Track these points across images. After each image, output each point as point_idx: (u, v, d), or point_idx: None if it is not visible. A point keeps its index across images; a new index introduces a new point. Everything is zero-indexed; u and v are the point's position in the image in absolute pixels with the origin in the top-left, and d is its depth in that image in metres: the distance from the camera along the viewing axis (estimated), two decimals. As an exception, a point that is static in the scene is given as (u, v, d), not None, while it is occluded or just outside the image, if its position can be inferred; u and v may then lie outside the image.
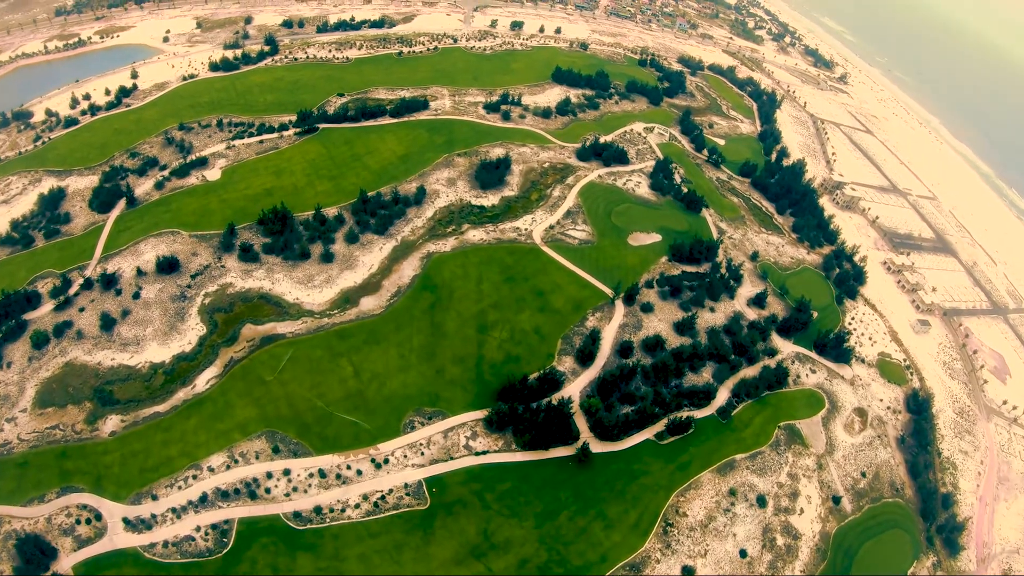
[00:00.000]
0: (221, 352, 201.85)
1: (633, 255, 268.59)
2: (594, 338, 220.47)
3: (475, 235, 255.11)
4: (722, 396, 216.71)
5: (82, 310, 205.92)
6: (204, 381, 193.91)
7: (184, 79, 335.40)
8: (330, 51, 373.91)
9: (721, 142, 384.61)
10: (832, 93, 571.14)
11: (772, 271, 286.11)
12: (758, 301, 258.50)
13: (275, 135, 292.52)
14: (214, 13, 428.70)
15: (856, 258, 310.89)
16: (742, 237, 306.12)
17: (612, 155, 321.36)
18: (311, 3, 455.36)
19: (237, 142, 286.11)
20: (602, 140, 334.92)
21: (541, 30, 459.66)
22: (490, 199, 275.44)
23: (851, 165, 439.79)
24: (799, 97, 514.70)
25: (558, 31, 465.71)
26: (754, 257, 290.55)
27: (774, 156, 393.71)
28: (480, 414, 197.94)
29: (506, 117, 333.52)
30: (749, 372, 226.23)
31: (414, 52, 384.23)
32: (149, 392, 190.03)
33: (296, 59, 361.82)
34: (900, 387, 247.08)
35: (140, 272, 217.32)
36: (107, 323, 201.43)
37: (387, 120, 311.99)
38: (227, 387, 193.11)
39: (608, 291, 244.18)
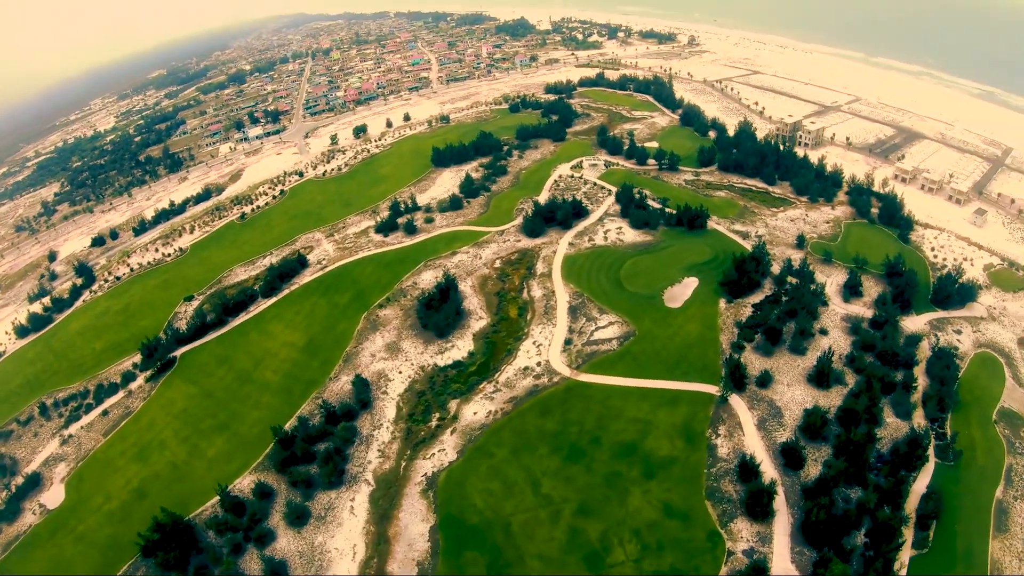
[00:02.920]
0: None
1: (690, 321, 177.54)
2: (747, 470, 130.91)
3: (476, 412, 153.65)
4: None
5: None
6: None
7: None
8: (158, 250, 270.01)
9: (655, 144, 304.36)
10: (696, 58, 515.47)
11: (831, 249, 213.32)
12: (852, 290, 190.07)
13: (121, 394, 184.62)
14: (12, 266, 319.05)
15: (877, 187, 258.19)
16: (767, 229, 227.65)
17: (566, 213, 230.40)
18: (120, 208, 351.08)
19: (73, 428, 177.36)
20: (540, 201, 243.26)
21: (389, 125, 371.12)
22: (458, 346, 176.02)
23: (776, 107, 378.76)
24: (678, 72, 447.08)
25: (407, 118, 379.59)
26: (801, 243, 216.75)
27: (713, 133, 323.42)
28: None
29: (411, 230, 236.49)
30: (921, 381, 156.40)
31: (259, 208, 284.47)
32: None
33: (119, 278, 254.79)
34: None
35: None
36: None
37: (263, 304, 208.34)
38: None
39: (707, 387, 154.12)
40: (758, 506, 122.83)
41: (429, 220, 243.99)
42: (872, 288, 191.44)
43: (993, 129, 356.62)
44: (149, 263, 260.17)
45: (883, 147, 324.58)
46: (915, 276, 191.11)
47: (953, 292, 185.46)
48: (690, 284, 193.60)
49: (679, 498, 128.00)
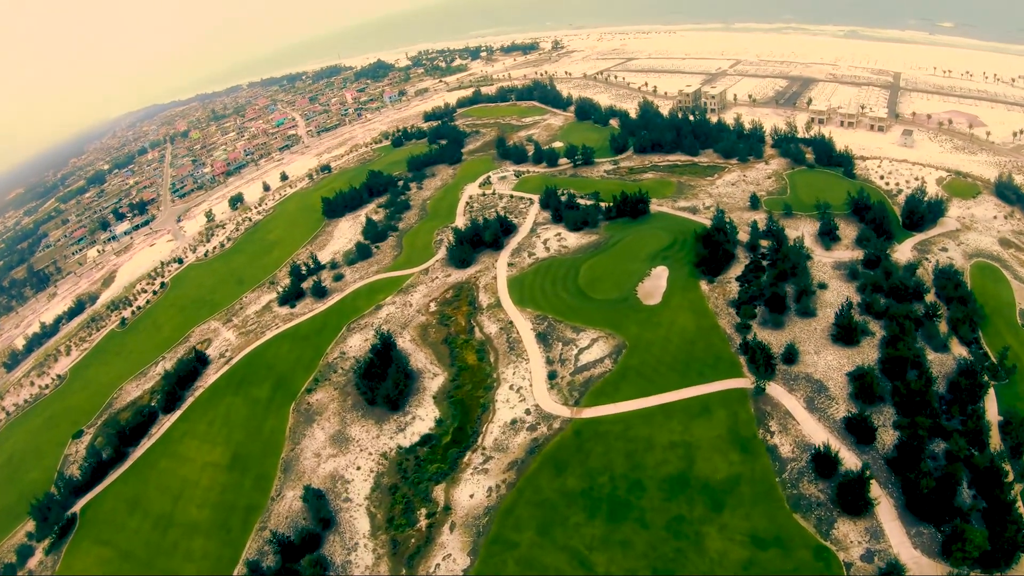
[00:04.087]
0: None
1: (679, 313, 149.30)
2: (825, 462, 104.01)
3: (473, 494, 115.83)
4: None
5: None
6: None
7: None
8: (33, 383, 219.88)
9: (559, 144, 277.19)
10: (566, 59, 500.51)
11: (787, 201, 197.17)
12: (830, 235, 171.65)
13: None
14: None
15: (801, 133, 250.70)
16: (713, 199, 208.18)
17: (494, 232, 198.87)
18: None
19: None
20: (460, 227, 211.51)
21: (266, 188, 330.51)
22: (419, 416, 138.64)
23: (665, 84, 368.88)
24: (555, 74, 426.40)
25: (284, 178, 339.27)
26: (755, 204, 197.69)
27: (615, 121, 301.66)
28: None
29: (320, 293, 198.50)
30: (943, 309, 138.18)
31: (140, 309, 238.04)
32: None
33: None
34: (982, 193, 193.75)
35: None
36: None
37: (167, 422, 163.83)
38: None
39: (732, 383, 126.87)
40: (859, 499, 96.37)
41: (338, 277, 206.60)
42: (846, 229, 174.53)
43: (872, 61, 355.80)
44: (26, 401, 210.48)
45: (784, 97, 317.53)
46: (884, 207, 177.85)
47: (924, 212, 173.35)
48: (660, 274, 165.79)
49: (764, 521, 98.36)
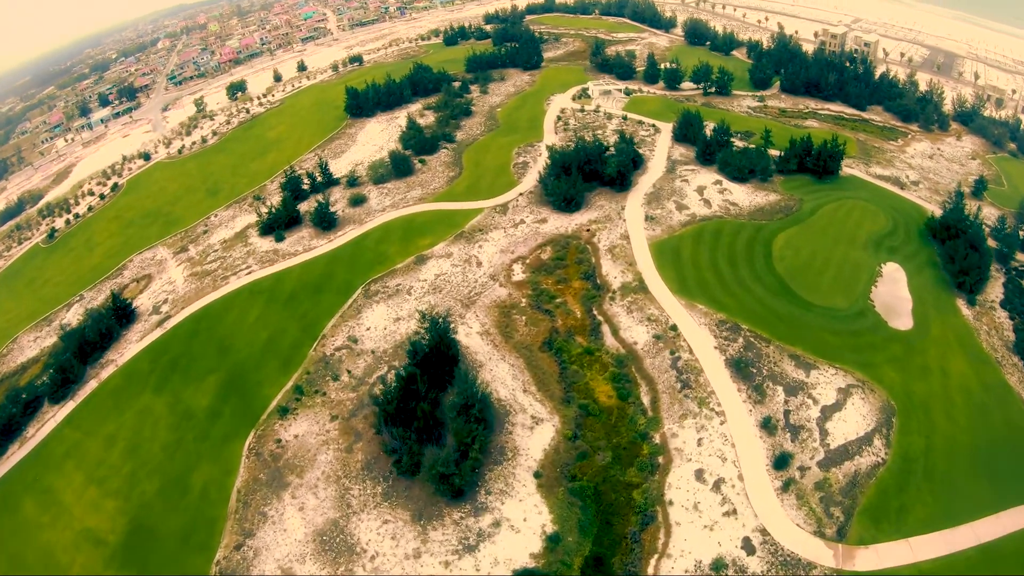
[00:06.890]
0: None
1: (946, 354, 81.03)
2: None
3: None
4: None
5: None
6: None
7: None
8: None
9: (673, 67, 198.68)
10: None
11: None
12: None
13: None
14: None
15: (990, 110, 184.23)
16: (916, 173, 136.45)
17: (622, 162, 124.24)
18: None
19: None
20: (553, 145, 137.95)
21: (277, 79, 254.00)
22: (510, 521, 66.37)
23: (787, 25, 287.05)
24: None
25: (302, 68, 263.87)
26: (979, 191, 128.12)
27: (741, 52, 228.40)
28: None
29: (327, 222, 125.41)
30: None
31: (78, 217, 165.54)
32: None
33: None
34: None
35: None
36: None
37: (51, 419, 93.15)
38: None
39: None
40: None
41: (357, 201, 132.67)
42: None
43: (1006, 49, 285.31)
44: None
45: (935, 65, 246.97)
46: None
47: None
48: (896, 276, 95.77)
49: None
